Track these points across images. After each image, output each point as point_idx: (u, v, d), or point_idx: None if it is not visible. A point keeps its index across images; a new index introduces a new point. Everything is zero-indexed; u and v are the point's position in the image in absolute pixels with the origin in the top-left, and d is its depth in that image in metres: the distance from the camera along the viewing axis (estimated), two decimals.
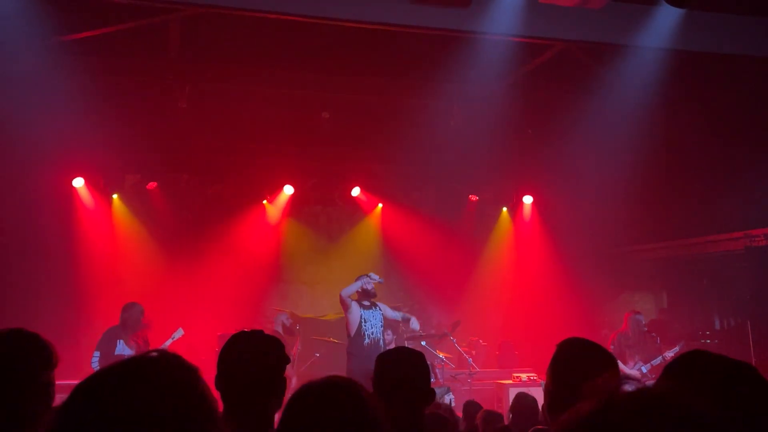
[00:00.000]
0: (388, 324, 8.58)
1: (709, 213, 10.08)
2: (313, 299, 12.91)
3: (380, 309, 8.29)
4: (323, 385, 1.61)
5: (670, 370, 1.86)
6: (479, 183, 12.82)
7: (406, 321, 8.56)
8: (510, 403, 6.26)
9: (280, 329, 9.98)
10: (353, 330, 8.10)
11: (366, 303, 8.18)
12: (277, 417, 2.43)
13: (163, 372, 1.12)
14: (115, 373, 1.11)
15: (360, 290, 8.21)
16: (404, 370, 2.75)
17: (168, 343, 7.88)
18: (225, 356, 2.45)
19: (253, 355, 2.42)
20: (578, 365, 2.30)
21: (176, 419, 1.06)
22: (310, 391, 1.60)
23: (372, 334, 8.03)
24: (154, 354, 1.15)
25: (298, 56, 9.14)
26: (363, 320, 8.06)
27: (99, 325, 8.11)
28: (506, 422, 5.83)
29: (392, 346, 8.59)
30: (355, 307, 8.11)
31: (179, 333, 8.03)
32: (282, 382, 2.44)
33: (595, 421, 0.96)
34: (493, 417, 5.74)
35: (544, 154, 11.22)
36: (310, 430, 1.50)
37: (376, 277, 8.19)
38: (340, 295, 8.17)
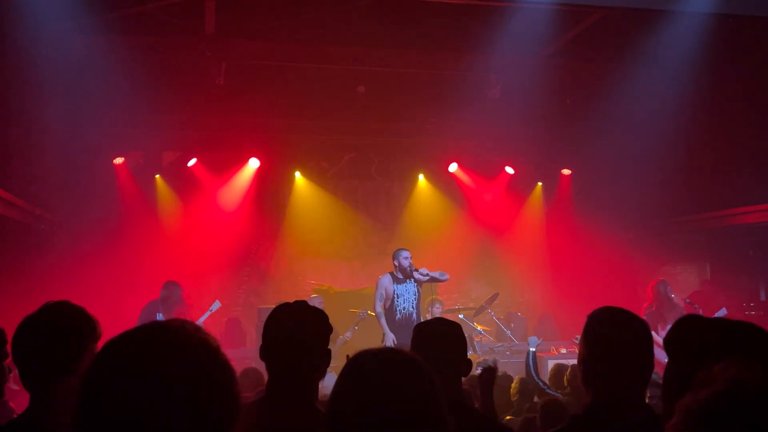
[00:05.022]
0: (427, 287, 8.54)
1: (755, 182, 9.80)
2: (351, 273, 12.98)
3: (414, 282, 8.23)
4: (380, 352, 1.56)
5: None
6: (516, 155, 12.68)
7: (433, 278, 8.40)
8: (549, 374, 6.33)
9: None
10: (387, 304, 8.17)
11: (400, 277, 8.19)
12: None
13: (187, 333, 1.20)
14: (144, 333, 1.20)
15: (397, 265, 8.21)
16: (441, 340, 2.74)
17: (206, 316, 7.93)
18: (269, 326, 2.45)
19: (297, 324, 2.42)
20: (611, 334, 2.28)
21: (200, 377, 1.15)
22: (368, 356, 1.54)
23: (404, 309, 8.08)
24: (178, 321, 1.23)
25: (333, 30, 9.10)
26: (396, 296, 8.11)
27: (142, 301, 8.25)
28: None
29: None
30: (388, 283, 8.13)
31: (216, 305, 8.08)
32: (325, 353, 2.44)
33: (721, 405, 0.93)
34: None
35: (583, 125, 11.03)
36: (370, 395, 1.43)
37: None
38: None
